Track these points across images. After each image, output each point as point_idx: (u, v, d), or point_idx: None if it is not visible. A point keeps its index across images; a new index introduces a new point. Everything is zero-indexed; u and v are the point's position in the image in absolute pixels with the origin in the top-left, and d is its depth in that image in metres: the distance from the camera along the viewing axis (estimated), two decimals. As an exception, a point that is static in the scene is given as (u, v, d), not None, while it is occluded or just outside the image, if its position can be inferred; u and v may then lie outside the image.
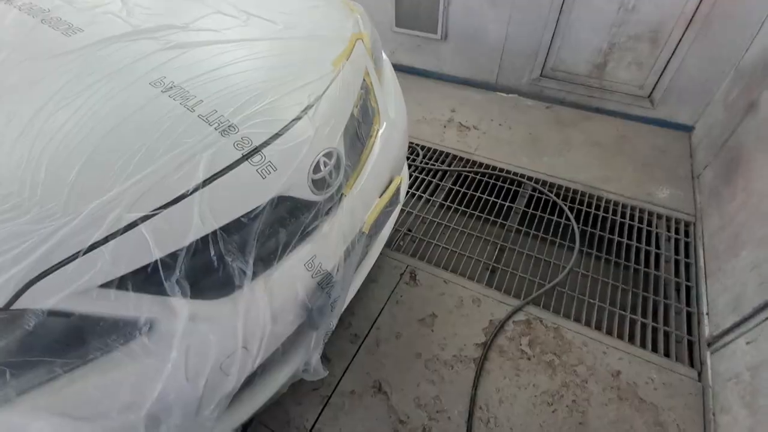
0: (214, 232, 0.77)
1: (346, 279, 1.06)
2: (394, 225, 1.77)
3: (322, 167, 0.94)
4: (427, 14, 2.63)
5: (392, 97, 1.39)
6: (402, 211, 1.91)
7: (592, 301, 1.56)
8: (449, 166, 2.18)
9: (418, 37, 2.77)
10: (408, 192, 2.01)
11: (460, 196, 2.00)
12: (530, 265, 1.69)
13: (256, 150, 0.83)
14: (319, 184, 0.94)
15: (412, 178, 2.09)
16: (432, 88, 2.79)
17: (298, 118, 0.91)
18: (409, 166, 2.15)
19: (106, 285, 0.68)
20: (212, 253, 0.78)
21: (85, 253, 0.66)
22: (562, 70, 2.56)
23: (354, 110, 1.12)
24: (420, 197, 2.00)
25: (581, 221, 1.86)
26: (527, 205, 1.95)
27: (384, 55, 1.53)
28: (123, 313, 0.70)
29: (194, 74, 0.90)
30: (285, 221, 0.90)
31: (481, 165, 2.17)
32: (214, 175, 0.78)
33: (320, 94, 0.98)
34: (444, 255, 1.72)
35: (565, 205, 1.92)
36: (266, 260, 0.88)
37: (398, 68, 2.98)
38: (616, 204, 1.94)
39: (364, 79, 1.23)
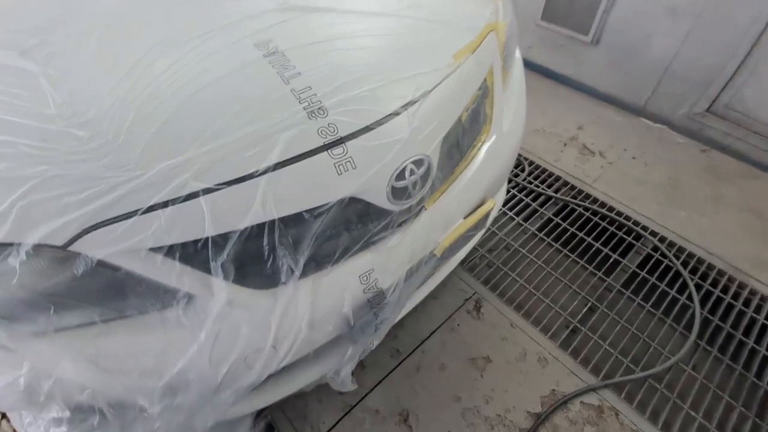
0: (272, 222, 0.71)
1: (400, 302, 0.95)
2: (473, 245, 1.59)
3: (407, 175, 0.82)
4: (582, 11, 2.27)
5: (512, 107, 1.20)
6: (487, 229, 1.72)
7: (693, 413, 1.24)
8: (556, 192, 1.90)
9: (563, 35, 2.43)
10: (500, 210, 1.80)
11: (559, 230, 1.73)
12: (623, 339, 1.40)
13: (339, 141, 0.74)
14: (398, 193, 0.82)
15: (508, 195, 1.87)
16: (563, 97, 2.45)
17: (395, 114, 0.80)
18: (509, 181, 1.92)
19: (155, 249, 0.66)
20: (265, 242, 0.72)
21: (143, 213, 0.64)
22: (738, 111, 2.04)
23: (463, 114, 0.97)
24: (512, 219, 1.78)
25: (708, 306, 1.48)
26: (640, 266, 1.61)
27: (517, 53, 1.32)
28: (165, 281, 0.68)
29: (301, 42, 0.83)
30: (350, 225, 0.81)
31: (595, 201, 1.85)
32: (288, 159, 0.71)
33: (429, 90, 0.85)
34: (520, 293, 1.51)
35: (692, 279, 1.55)
36: (319, 262, 0.80)
37: (531, 66, 2.67)
38: (763, 299, 1.51)
39: (485, 80, 1.06)
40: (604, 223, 1.76)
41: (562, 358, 1.33)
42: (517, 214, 1.80)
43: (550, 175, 1.98)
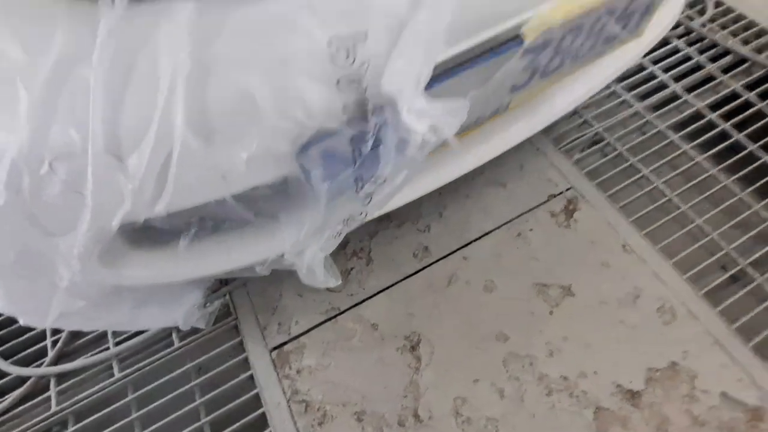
0: None
1: (430, 132, 0.43)
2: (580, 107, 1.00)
3: None
4: None
5: None
6: (614, 94, 1.07)
7: None
8: (759, 52, 1.12)
9: None
10: (648, 56, 1.10)
11: (748, 113, 1.02)
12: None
13: None
14: None
15: (666, 48, 1.14)
16: None
17: None
18: (676, 26, 1.16)
19: None
20: None
21: None
22: None
23: None
24: (661, 87, 1.08)
25: None
26: None
27: None
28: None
29: None
30: None
31: (834, 75, 1.06)
32: None
33: None
34: (650, 203, 0.93)
35: None
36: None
37: None
38: None
39: None
40: (844, 114, 1.00)
41: (704, 315, 0.79)
42: (678, 79, 1.09)
43: (753, 24, 1.17)
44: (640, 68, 1.11)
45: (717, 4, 1.23)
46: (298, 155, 0.40)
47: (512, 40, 0.43)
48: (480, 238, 0.90)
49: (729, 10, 1.21)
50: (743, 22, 1.18)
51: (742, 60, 1.12)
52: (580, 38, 0.49)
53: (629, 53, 0.70)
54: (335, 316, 0.85)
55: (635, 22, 0.54)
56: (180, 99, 0.33)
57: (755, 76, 1.08)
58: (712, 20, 1.20)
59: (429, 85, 0.40)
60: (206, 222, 0.53)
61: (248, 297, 0.88)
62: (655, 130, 1.01)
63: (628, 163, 0.97)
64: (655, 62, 1.12)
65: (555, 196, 0.94)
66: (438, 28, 0.36)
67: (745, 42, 1.16)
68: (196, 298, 0.82)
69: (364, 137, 0.40)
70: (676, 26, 1.17)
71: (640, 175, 0.95)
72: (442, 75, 0.42)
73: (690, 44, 1.15)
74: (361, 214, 0.50)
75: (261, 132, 0.37)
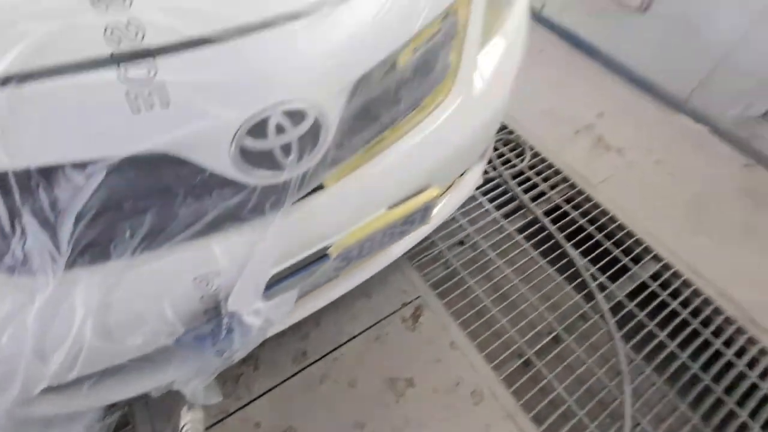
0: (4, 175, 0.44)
1: (265, 323, 0.68)
2: (431, 234, 1.32)
3: (270, 132, 0.53)
4: (635, -34, 1.84)
5: (497, 60, 0.87)
6: (453, 220, 1.43)
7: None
8: (552, 188, 1.59)
9: (606, -4, 2.00)
10: (480, 190, 1.50)
11: (542, 236, 1.44)
12: (587, 384, 1.15)
13: (143, 54, 0.45)
14: (255, 158, 0.54)
15: (492, 183, 1.56)
16: (587, 74, 2.07)
17: (264, 25, 0.50)
18: (503, 163, 1.61)
19: None
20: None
21: None
22: (804, 123, 1.66)
23: (403, 54, 0.66)
24: (488, 213, 1.48)
25: (701, 359, 1.21)
26: (631, 295, 1.34)
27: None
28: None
29: None
30: (166, 197, 0.54)
31: (596, 206, 1.54)
32: (39, 72, 0.43)
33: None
34: (473, 306, 1.25)
35: (691, 323, 1.27)
36: (116, 245, 0.53)
37: (555, 28, 2.26)
38: (776, 363, 1.24)
39: (450, 12, 0.73)
40: (599, 236, 1.46)
41: (502, 395, 1.09)
42: (498, 207, 1.50)
43: (549, 167, 1.66)
44: (473, 198, 1.51)
45: (531, 148, 1.72)
46: (175, 342, 0.62)
47: (322, 257, 0.71)
48: (348, 341, 1.15)
49: (536, 154, 1.70)
50: (546, 163, 1.67)
51: (541, 193, 1.57)
52: (378, 240, 0.79)
53: (425, 228, 1.02)
54: (224, 419, 1.01)
55: (419, 220, 0.87)
56: (89, 323, 0.53)
57: (549, 207, 1.53)
58: (530, 160, 1.67)
59: (266, 289, 0.65)
60: (108, 370, 0.71)
61: (146, 407, 1.01)
62: (480, 249, 1.38)
63: (460, 276, 1.31)
64: (484, 194, 1.53)
65: (407, 304, 1.23)
66: (266, 263, 0.62)
67: (546, 179, 1.63)
68: (98, 413, 0.94)
69: (220, 329, 0.63)
70: (504, 164, 1.62)
71: (467, 285, 1.29)
72: (275, 283, 0.67)
73: (513, 176, 1.59)
74: (230, 362, 0.72)
75: (147, 332, 0.58)
